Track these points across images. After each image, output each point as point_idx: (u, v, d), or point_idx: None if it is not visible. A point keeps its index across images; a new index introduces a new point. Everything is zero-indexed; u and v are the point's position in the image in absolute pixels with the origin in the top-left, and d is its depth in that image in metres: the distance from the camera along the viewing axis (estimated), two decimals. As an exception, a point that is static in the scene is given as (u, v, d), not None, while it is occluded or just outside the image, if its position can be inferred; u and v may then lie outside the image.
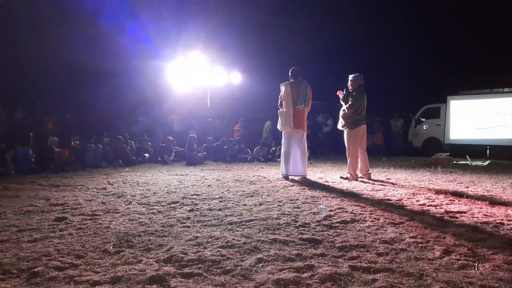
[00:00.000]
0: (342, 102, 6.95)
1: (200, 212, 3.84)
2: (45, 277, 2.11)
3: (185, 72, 14.30)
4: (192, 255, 2.47)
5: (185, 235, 2.98)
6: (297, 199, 4.60)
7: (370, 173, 6.89)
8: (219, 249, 2.61)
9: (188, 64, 14.27)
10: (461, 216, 3.74)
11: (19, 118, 10.93)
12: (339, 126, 7.03)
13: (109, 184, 5.97)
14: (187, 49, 14.41)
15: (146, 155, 10.19)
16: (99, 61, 12.64)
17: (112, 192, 5.10)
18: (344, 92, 6.91)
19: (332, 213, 3.81)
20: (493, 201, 4.52)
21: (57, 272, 2.17)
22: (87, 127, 11.44)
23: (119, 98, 13.53)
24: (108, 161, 8.86)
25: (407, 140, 15.86)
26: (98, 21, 13.12)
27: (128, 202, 4.39)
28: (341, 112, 6.97)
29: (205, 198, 4.69)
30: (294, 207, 4.11)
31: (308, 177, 6.85)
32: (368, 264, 2.32)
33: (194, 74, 14.47)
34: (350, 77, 6.87)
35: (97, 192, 5.12)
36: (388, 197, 4.82)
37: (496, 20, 19.57)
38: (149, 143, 10.81)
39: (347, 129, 6.83)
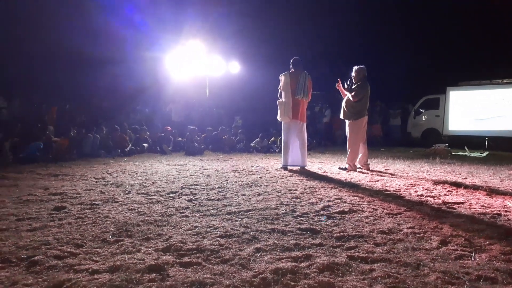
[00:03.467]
0: (346, 92, 6.91)
1: (199, 202, 3.85)
2: (45, 265, 2.12)
3: (183, 61, 14.21)
4: (191, 244, 2.49)
5: (184, 224, 2.99)
6: (296, 190, 4.62)
7: (368, 164, 6.90)
8: (217, 238, 2.62)
9: (186, 53, 14.18)
10: (458, 207, 3.76)
11: (16, 106, 10.88)
12: (341, 116, 7.02)
13: (108, 173, 5.97)
14: (185, 38, 14.30)
15: (145, 145, 10.17)
16: (98, 50, 12.56)
17: (111, 182, 5.10)
18: (348, 83, 6.90)
19: (330, 203, 3.83)
20: (491, 192, 4.54)
21: (57, 261, 2.18)
22: (85, 116, 11.40)
23: (118, 88, 13.48)
24: (106, 150, 8.84)
25: (406, 131, 15.87)
26: (97, 9, 13.00)
27: (127, 192, 4.39)
28: (343, 102, 6.94)
29: (204, 188, 4.70)
30: (292, 197, 4.13)
31: (307, 167, 6.86)
32: (366, 254, 2.33)
33: (193, 63, 14.38)
34: (355, 68, 6.85)
35: (96, 182, 5.12)
36: (386, 188, 4.84)
37: (496, 10, 19.45)
38: (148, 133, 10.79)
39: (350, 120, 6.81)
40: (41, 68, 12.51)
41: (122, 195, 4.22)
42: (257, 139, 11.88)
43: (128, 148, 9.37)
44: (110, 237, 2.65)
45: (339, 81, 7.10)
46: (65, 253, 2.30)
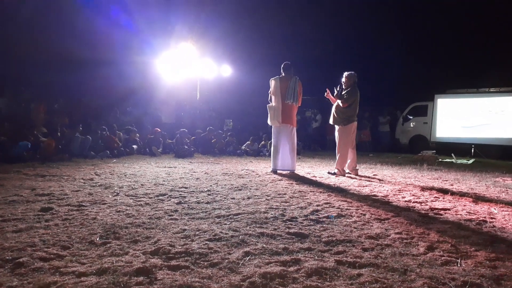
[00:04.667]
0: (335, 98, 6.97)
1: (188, 205, 3.84)
2: (30, 267, 2.08)
3: (175, 64, 14.18)
4: (180, 247, 2.47)
5: (172, 227, 2.97)
6: (285, 194, 4.63)
7: (357, 169, 6.96)
8: (206, 242, 2.61)
9: (178, 56, 14.15)
10: (445, 213, 3.81)
11: (4, 105, 10.70)
12: (331, 121, 7.07)
13: (96, 175, 5.91)
14: (177, 40, 14.28)
15: (134, 146, 10.10)
16: (88, 50, 12.45)
17: (99, 183, 5.05)
18: (338, 89, 6.95)
19: (319, 208, 3.84)
20: (477, 199, 4.61)
21: (42, 263, 2.15)
22: (74, 116, 11.27)
23: (108, 88, 13.36)
24: (96, 151, 8.76)
25: (394, 137, 16.05)
26: (87, 8, 12.90)
27: (115, 194, 4.35)
28: (333, 108, 7.00)
29: (193, 191, 4.68)
30: (282, 201, 4.14)
31: (296, 171, 6.89)
32: (354, 259, 2.35)
33: (185, 66, 14.36)
34: (345, 74, 6.91)
35: (84, 183, 5.07)
36: (374, 193, 4.88)
37: (484, 20, 19.82)
38: (138, 134, 10.72)
39: (340, 125, 6.86)
40: (30, 67, 12.35)
41: (110, 197, 4.18)
42: (248, 142, 11.90)
43: (117, 150, 9.29)
44: (97, 239, 2.62)
45: (328, 91, 7.16)
46: (51, 255, 2.27)
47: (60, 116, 10.54)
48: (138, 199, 4.06)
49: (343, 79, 6.92)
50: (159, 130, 11.26)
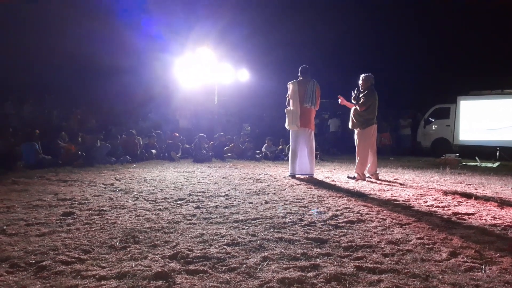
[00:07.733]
0: (353, 101, 6.92)
1: (206, 210, 3.85)
2: (52, 271, 2.13)
3: (193, 69, 14.33)
4: (198, 252, 2.48)
5: (191, 232, 2.98)
6: (304, 198, 4.59)
7: (377, 173, 6.85)
8: (224, 246, 2.61)
9: (196, 61, 14.29)
10: (469, 218, 3.71)
11: (28, 112, 11.02)
12: (350, 126, 6.99)
13: (117, 180, 6.01)
14: (195, 45, 14.44)
15: (154, 151, 10.24)
16: (108, 57, 12.73)
17: (119, 188, 5.13)
18: (356, 92, 6.89)
19: (338, 212, 3.80)
20: (502, 203, 4.47)
21: (64, 267, 2.19)
22: (96, 122, 11.52)
23: (128, 94, 13.61)
24: (116, 157, 8.91)
25: (416, 140, 15.75)
26: (108, 16, 13.21)
27: (135, 198, 4.41)
28: (352, 111, 6.92)
29: (212, 196, 4.70)
30: (300, 206, 4.11)
31: (315, 176, 6.84)
32: (374, 265, 2.31)
33: (203, 71, 14.49)
34: (362, 76, 6.83)
35: (105, 188, 5.16)
36: (395, 198, 4.79)
37: (508, 19, 19.33)
38: (162, 137, 10.89)
39: (358, 129, 6.78)
40: (52, 74, 12.69)
41: (130, 201, 4.24)
42: (265, 144, 11.89)
43: (136, 155, 9.43)
44: (117, 243, 2.65)
45: (341, 98, 7.06)
46: (73, 259, 2.31)
47: (84, 121, 10.81)
48: (157, 204, 4.10)
49: (360, 82, 6.84)
50: (177, 135, 11.38)
